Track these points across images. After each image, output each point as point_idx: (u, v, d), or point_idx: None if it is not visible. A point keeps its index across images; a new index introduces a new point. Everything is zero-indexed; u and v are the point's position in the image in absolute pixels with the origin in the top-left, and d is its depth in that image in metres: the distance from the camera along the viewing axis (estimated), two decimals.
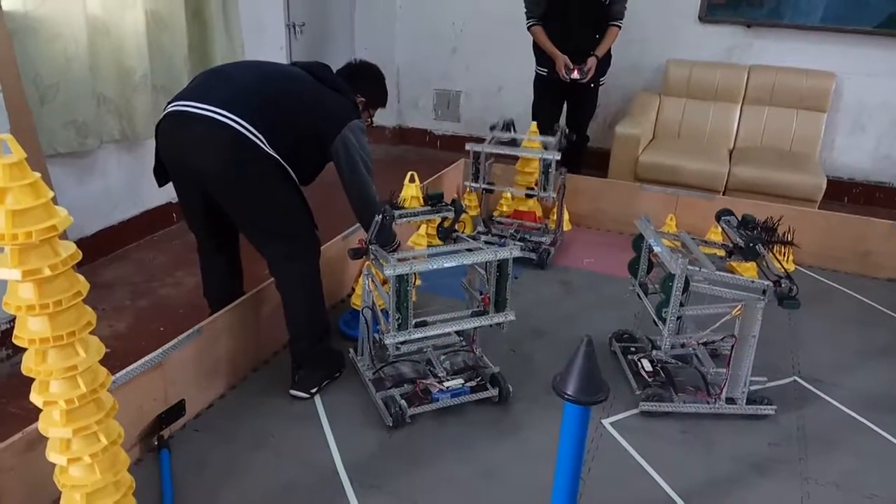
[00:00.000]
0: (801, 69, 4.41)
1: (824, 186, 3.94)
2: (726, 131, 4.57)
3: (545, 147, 3.46)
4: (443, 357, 2.38)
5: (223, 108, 1.98)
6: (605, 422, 2.25)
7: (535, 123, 3.60)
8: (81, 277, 1.31)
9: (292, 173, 2.13)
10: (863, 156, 4.58)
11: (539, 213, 3.69)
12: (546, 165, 3.25)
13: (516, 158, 3.58)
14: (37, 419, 1.36)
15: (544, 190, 3.30)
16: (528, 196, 3.56)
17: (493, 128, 3.57)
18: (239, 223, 2.25)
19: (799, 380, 2.53)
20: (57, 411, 1.32)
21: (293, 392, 2.28)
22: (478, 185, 3.46)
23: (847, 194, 4.64)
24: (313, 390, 2.29)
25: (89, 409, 1.34)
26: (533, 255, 3.36)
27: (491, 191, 3.54)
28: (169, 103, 2.08)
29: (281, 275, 2.24)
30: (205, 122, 1.97)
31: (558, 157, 3.23)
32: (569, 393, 1.48)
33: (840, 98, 4.47)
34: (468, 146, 3.38)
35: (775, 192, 3.97)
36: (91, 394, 1.33)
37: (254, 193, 2.09)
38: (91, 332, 1.36)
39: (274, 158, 2.05)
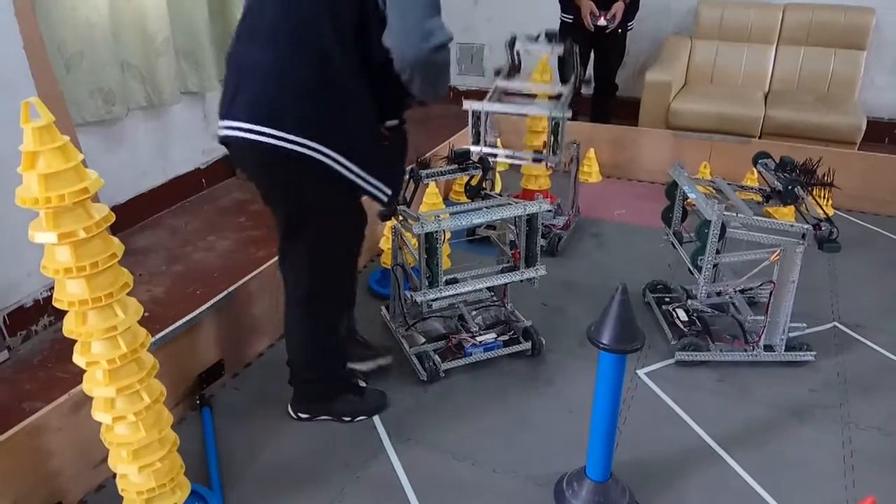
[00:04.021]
0: (838, 6, 4.22)
1: (864, 127, 3.81)
2: (761, 74, 4.42)
3: (558, 97, 2.84)
4: (475, 312, 2.38)
5: (251, 122, 1.58)
6: (641, 372, 2.24)
7: (542, 60, 3.19)
8: (116, 240, 1.32)
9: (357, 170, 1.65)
10: None
11: (549, 186, 3.28)
12: (555, 125, 2.71)
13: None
14: (82, 381, 1.40)
15: (553, 153, 2.75)
16: (536, 161, 2.91)
17: (497, 73, 2.93)
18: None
19: (839, 325, 2.48)
20: (100, 371, 1.34)
21: (288, 406, 2.06)
22: (479, 149, 2.75)
23: (888, 135, 4.47)
24: (302, 415, 2.03)
25: (131, 368, 1.37)
26: (542, 241, 2.54)
27: (494, 155, 2.79)
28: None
29: (288, 306, 1.94)
30: (240, 146, 1.63)
31: (569, 116, 2.70)
32: (604, 342, 1.48)
33: (880, 35, 4.27)
34: (465, 104, 2.76)
35: (813, 135, 3.84)
36: (132, 353, 1.35)
37: (293, 205, 1.73)
38: (129, 296, 1.38)
39: (324, 166, 1.60)
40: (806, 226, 2.08)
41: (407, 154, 1.85)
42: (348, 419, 2.04)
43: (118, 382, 1.35)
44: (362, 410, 2.05)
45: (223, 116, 1.65)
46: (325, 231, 1.76)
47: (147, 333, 1.41)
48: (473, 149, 2.81)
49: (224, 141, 1.67)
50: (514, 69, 2.91)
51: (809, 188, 2.19)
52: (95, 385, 1.36)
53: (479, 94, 3.06)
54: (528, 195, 3.20)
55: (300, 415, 2.05)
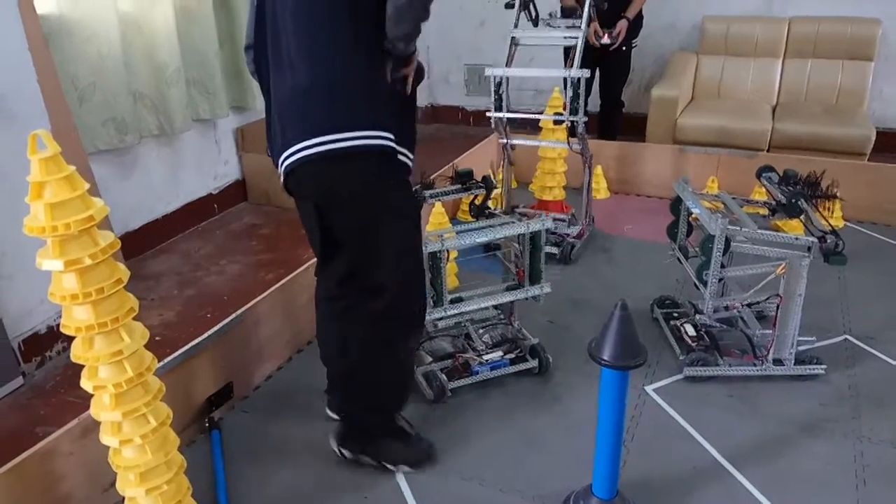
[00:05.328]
0: (844, 17, 4.23)
1: (873, 138, 3.79)
2: (768, 87, 4.42)
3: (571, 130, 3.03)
4: (481, 331, 2.39)
5: (312, 137, 1.58)
6: (649, 388, 2.23)
7: (556, 90, 3.40)
8: (122, 265, 1.35)
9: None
10: None
11: (564, 196, 3.48)
12: (574, 85, 2.81)
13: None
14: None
15: (574, 113, 2.85)
16: (557, 123, 3.05)
17: (509, 6, 3.08)
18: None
19: (850, 338, 2.46)
20: (107, 395, 1.37)
21: (330, 437, 1.96)
22: (501, 115, 3.03)
23: None
24: (346, 453, 1.93)
25: (137, 392, 1.39)
26: (555, 250, 3.04)
27: (514, 120, 3.12)
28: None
29: (359, 325, 1.83)
30: (307, 166, 1.61)
31: (587, 75, 2.80)
32: (605, 358, 1.48)
33: (887, 45, 4.27)
34: (487, 71, 3.00)
35: (822, 147, 3.84)
36: (138, 377, 1.37)
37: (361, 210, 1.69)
38: (142, 322, 1.40)
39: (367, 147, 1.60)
40: (811, 238, 2.07)
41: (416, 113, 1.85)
42: (391, 466, 1.92)
43: (124, 406, 1.37)
44: (407, 459, 1.92)
45: (279, 152, 1.63)
46: (399, 224, 1.73)
47: (153, 357, 1.44)
48: (496, 115, 3.05)
49: (290, 170, 1.62)
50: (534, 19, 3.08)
51: (814, 200, 2.19)
52: (102, 409, 1.38)
53: (486, 116, 3.13)
54: (542, 206, 3.36)
55: (344, 452, 1.93)
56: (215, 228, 3.71)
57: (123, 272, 1.34)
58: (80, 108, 2.89)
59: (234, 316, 2.18)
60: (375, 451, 1.92)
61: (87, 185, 1.26)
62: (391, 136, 1.63)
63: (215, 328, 2.10)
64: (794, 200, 2.15)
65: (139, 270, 3.17)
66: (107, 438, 1.41)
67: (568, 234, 3.14)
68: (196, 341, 2.04)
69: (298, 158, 1.60)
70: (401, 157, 1.71)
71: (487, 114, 3.09)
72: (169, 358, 1.93)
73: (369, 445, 1.93)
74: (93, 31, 2.87)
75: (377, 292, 1.74)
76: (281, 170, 1.66)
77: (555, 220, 3.20)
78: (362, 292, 1.78)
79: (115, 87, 3.00)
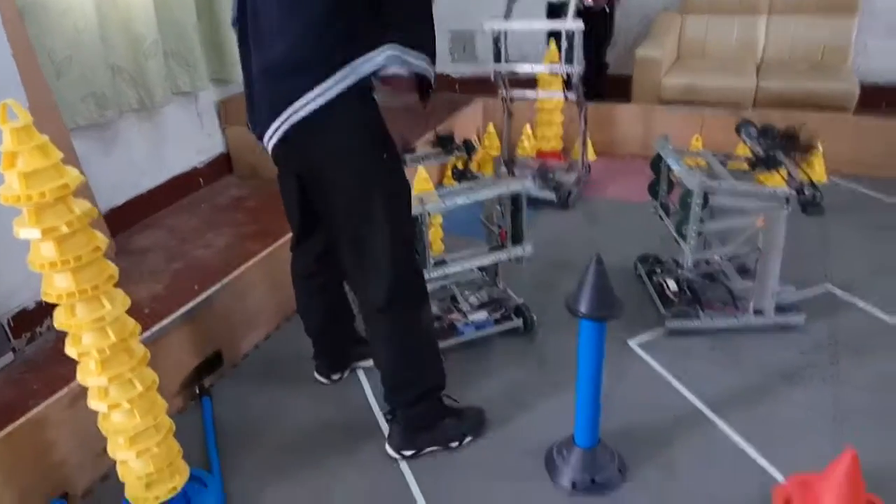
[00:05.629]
0: None
1: (857, 93, 3.79)
2: (752, 45, 4.40)
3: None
4: (467, 292, 2.41)
5: (275, 117, 1.55)
6: (632, 342, 2.27)
7: (553, 44, 3.44)
8: (99, 233, 1.36)
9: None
10: None
11: (561, 146, 3.63)
12: (569, 37, 2.94)
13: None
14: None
15: (569, 63, 3.00)
16: (552, 73, 3.25)
17: None
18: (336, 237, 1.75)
19: (831, 287, 2.49)
20: (92, 361, 1.39)
21: (386, 447, 1.89)
22: (501, 67, 3.17)
23: (884, 99, 4.43)
24: (406, 452, 1.87)
25: (121, 357, 1.41)
26: (553, 196, 3.19)
27: (515, 74, 3.21)
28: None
29: (371, 322, 1.79)
30: (290, 136, 1.56)
31: (581, 27, 2.92)
32: (582, 310, 1.50)
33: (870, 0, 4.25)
34: (486, 25, 3.13)
35: (807, 103, 3.83)
36: (121, 343, 1.39)
37: (345, 180, 1.62)
38: (130, 296, 1.43)
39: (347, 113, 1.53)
40: (789, 190, 2.09)
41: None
42: (455, 444, 1.90)
43: (110, 371, 1.40)
44: (467, 432, 1.92)
45: (266, 124, 1.57)
46: (390, 195, 1.65)
47: (136, 323, 1.46)
48: (495, 67, 3.19)
49: (280, 139, 1.56)
50: None
51: (792, 153, 2.20)
52: (88, 375, 1.41)
53: (471, 83, 3.14)
54: (542, 155, 3.57)
55: (403, 453, 1.87)
56: (201, 202, 3.70)
57: (101, 240, 1.36)
58: (59, 82, 2.86)
59: (219, 285, 2.19)
60: (436, 438, 1.89)
61: (60, 155, 1.27)
62: (392, 43, 1.54)
63: (202, 296, 2.13)
64: (770, 153, 2.17)
65: (126, 246, 3.17)
66: (95, 403, 1.44)
67: (565, 182, 3.28)
68: (183, 310, 2.06)
69: (291, 126, 1.53)
70: (416, 63, 1.59)
71: (490, 66, 3.21)
72: (156, 327, 1.95)
73: (427, 435, 1.88)
74: (68, 4, 2.83)
75: (376, 275, 1.67)
76: (270, 143, 1.60)
77: (552, 168, 3.41)
78: (346, 270, 1.77)
79: (93, 60, 2.97)
